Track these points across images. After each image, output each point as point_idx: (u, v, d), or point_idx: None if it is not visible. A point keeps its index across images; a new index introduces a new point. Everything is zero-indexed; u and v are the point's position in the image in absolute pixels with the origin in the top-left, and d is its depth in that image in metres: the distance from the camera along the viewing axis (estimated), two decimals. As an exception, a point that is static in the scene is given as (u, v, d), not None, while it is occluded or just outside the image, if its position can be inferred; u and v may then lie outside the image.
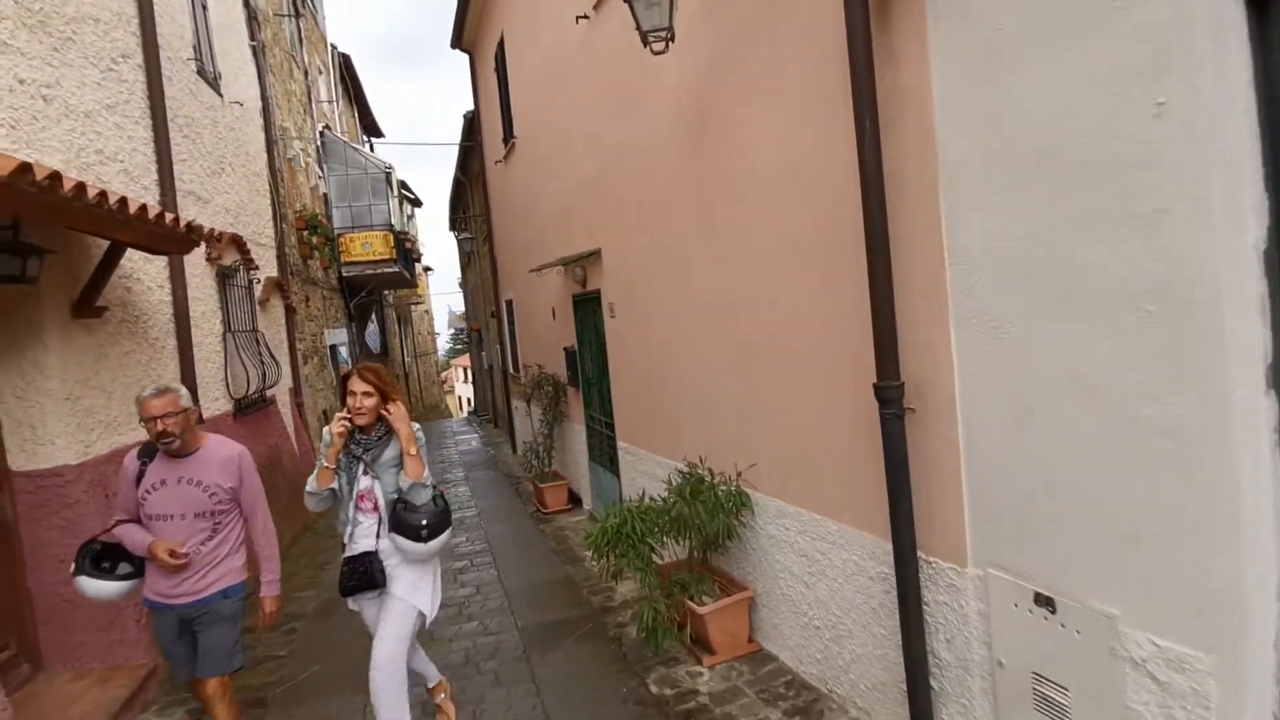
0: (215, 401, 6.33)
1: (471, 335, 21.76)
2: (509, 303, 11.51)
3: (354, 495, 3.11)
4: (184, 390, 3.05)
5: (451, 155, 17.25)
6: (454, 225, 24.50)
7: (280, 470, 7.59)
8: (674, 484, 4.28)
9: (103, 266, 4.28)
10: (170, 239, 4.32)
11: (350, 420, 3.02)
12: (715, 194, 4.08)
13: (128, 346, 4.89)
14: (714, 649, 3.98)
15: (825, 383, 3.18)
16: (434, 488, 3.13)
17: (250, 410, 7.14)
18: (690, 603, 3.99)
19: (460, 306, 26.79)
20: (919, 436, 2.56)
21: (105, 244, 4.27)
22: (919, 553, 2.58)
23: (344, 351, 15.93)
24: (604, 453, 6.93)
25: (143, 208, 3.56)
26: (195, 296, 6.15)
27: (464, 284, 25.39)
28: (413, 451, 3.02)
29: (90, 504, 4.14)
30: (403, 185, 23.86)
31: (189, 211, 6.21)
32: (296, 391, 9.33)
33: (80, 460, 4.17)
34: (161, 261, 5.53)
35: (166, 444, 2.96)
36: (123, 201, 3.37)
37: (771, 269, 3.54)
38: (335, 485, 3.10)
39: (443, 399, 39.25)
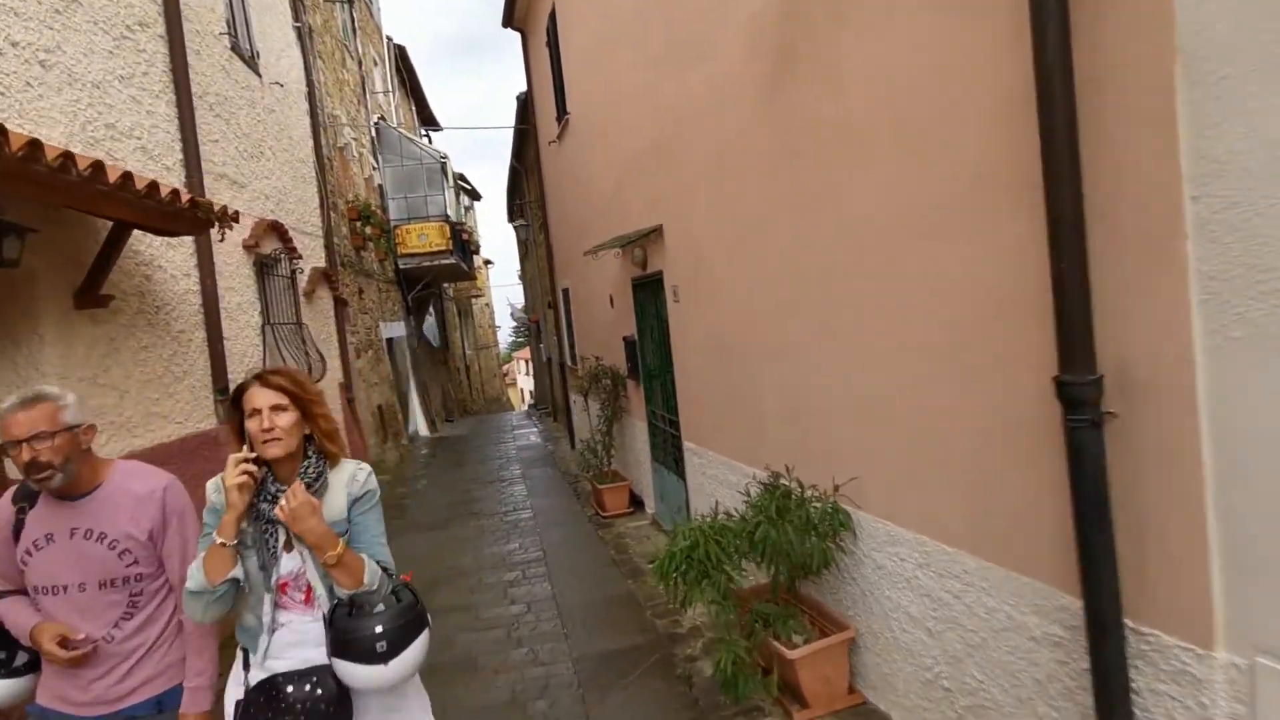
0: (252, 398, 5.92)
1: (530, 327, 21.41)
2: (565, 292, 10.94)
3: (272, 584, 1.90)
4: (70, 398, 1.99)
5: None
6: (511, 215, 24.23)
7: (326, 470, 7.20)
8: (753, 496, 3.57)
9: (106, 250, 3.83)
10: (177, 218, 3.84)
11: (256, 462, 1.85)
12: (800, 148, 3.33)
13: (146, 340, 4.46)
14: (807, 700, 3.26)
15: (964, 376, 2.41)
16: (392, 575, 2.03)
17: (293, 407, 6.74)
18: (777, 644, 3.28)
19: (520, 299, 26.57)
20: (1127, 453, 1.78)
21: (109, 225, 3.82)
22: (1126, 620, 1.81)
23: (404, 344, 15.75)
24: (668, 453, 6.25)
25: (125, 176, 3.06)
26: (229, 286, 5.74)
27: (522, 275, 25.11)
28: (332, 560, 1.83)
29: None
30: (462, 178, 23.69)
31: (221, 196, 5.80)
32: (347, 386, 8.97)
33: (84, 467, 3.73)
34: (188, 248, 5.11)
35: (43, 481, 1.91)
36: (96, 167, 2.86)
37: (879, 235, 2.78)
38: (239, 573, 1.84)
39: (504, 392, 39.37)
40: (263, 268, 6.42)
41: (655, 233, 5.62)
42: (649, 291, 6.21)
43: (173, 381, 4.72)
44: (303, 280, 7.67)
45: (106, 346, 4.07)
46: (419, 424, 15.89)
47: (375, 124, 15.80)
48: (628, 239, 6.02)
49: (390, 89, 18.82)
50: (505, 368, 46.29)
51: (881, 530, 3.02)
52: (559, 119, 9.33)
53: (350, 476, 1.99)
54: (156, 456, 4.32)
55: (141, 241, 4.54)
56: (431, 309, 18.37)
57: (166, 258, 4.82)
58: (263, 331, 6.29)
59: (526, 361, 50.11)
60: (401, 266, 15.81)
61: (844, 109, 2.94)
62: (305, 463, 1.92)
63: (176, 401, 4.73)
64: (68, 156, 2.68)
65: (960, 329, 2.40)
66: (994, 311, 2.23)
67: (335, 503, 1.94)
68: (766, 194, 3.72)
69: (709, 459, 5.09)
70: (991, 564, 2.35)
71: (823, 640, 3.27)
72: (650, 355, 6.45)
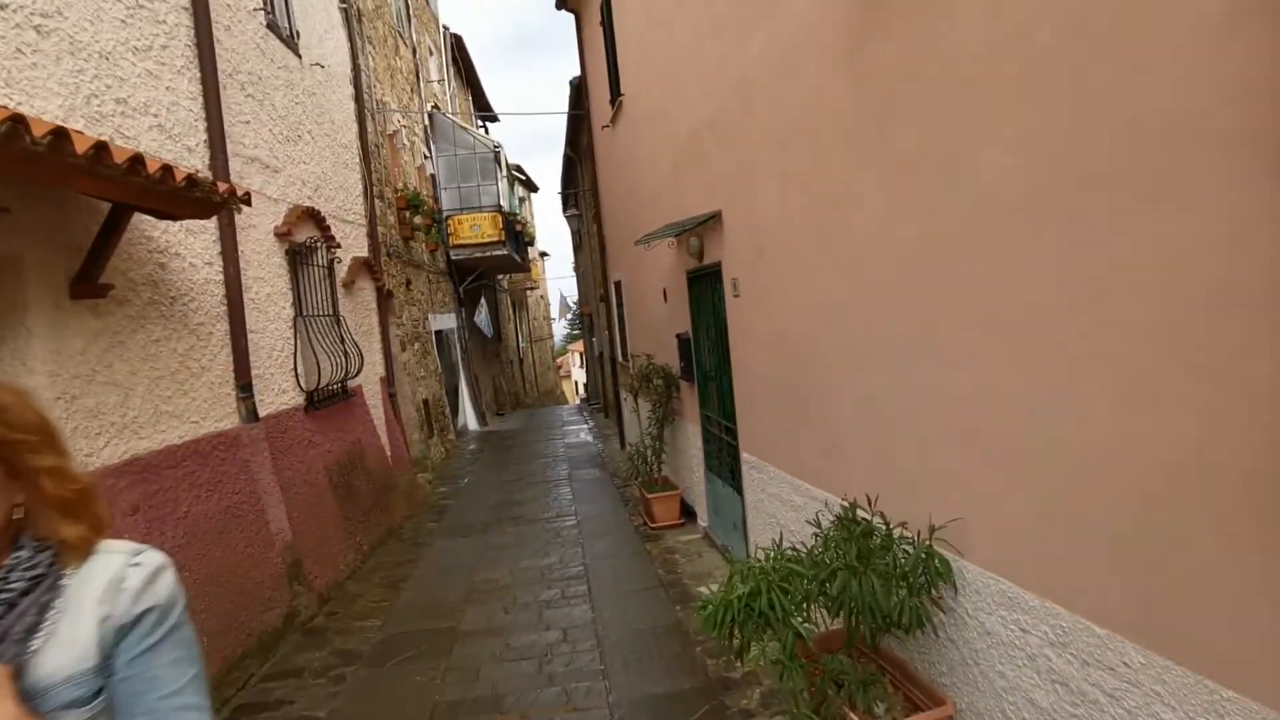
0: (282, 395, 5.59)
1: (583, 320, 21.03)
2: (617, 285, 10.43)
3: None
4: None
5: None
6: (565, 206, 23.89)
7: (362, 469, 6.87)
8: (825, 529, 2.97)
9: (104, 234, 3.47)
10: (177, 199, 3.45)
11: None
12: (894, 105, 2.70)
13: (158, 332, 4.12)
14: (891, 787, 2.66)
15: (1135, 397, 1.77)
16: None
17: (327, 403, 6.41)
18: (854, 716, 2.68)
19: (574, 292, 26.25)
20: None
21: (108, 207, 3.46)
22: None
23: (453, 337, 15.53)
24: (724, 463, 5.67)
25: (98, 146, 2.65)
26: (258, 276, 5.41)
27: (576, 268, 24.78)
28: None
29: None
30: (519, 170, 23.46)
31: (252, 180, 5.47)
32: (389, 380, 8.66)
33: (76, 474, 3.38)
34: (210, 235, 4.77)
35: None
36: (58, 135, 2.45)
37: (1008, 208, 2.15)
38: None
39: (558, 385, 39.29)
40: (296, 257, 6.09)
41: (713, 219, 5.03)
42: (705, 285, 5.64)
43: (189, 378, 4.38)
44: (342, 270, 7.35)
45: (109, 340, 3.72)
46: (468, 418, 15.67)
47: (429, 113, 15.60)
48: (682, 227, 5.46)
49: (446, 78, 18.63)
50: (559, 360, 46.26)
51: (993, 588, 2.39)
52: (613, 102, 8.81)
53: (112, 582, 1.04)
54: (163, 460, 3.98)
55: (156, 228, 4.20)
56: (484, 300, 18.14)
57: (185, 245, 4.48)
58: (294, 324, 5.96)
59: (581, 355, 50.13)
60: (453, 257, 15.59)
61: (956, 49, 2.30)
62: (9, 561, 1.00)
63: (192, 399, 4.40)
64: (17, 121, 2.27)
65: (1130, 333, 1.76)
66: (1192, 310, 1.58)
67: (74, 639, 1.00)
68: (848, 165, 3.10)
69: (770, 475, 4.49)
70: (1173, 663, 1.71)
71: (914, 718, 2.65)
72: (706, 355, 5.88)
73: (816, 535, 2.99)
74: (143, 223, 4.04)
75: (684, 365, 6.40)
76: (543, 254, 39.05)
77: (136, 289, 3.99)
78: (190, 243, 4.55)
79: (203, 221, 4.65)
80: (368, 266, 8.11)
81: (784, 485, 4.25)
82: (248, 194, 4.08)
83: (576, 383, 50.70)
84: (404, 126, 12.05)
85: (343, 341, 6.89)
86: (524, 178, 24.02)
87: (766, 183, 4.06)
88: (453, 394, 14.51)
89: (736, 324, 4.90)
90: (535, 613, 4.93)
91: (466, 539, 6.93)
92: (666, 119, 6.25)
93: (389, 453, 8.08)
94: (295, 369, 5.86)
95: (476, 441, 13.78)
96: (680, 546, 6.12)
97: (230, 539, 4.45)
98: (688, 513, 6.82)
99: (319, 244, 6.62)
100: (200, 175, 3.91)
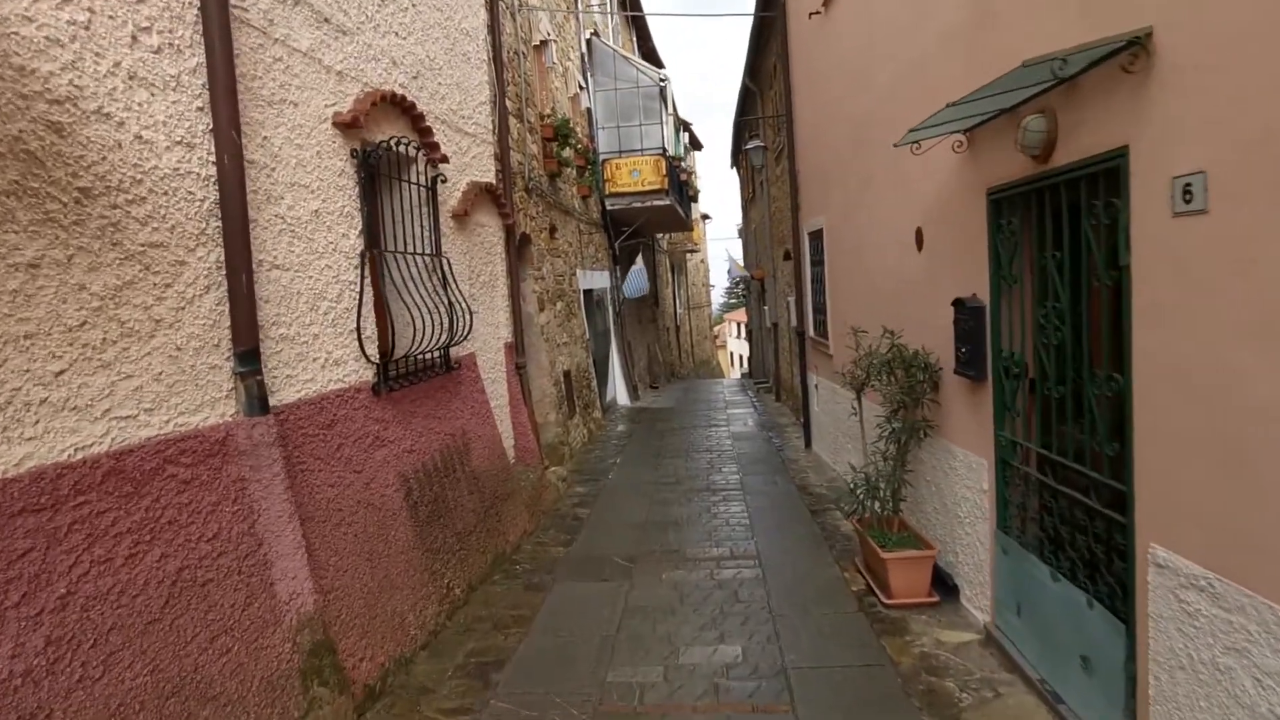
0: (330, 367, 3.65)
1: (751, 286, 18.43)
2: (815, 235, 7.84)
3: None
4: None
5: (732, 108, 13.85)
6: (735, 161, 21.20)
7: (463, 473, 4.91)
8: None
9: None
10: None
11: None
12: None
13: (31, 250, 2.18)
14: None
15: None
16: None
17: (412, 379, 4.45)
18: None
19: (738, 255, 23.64)
20: None
21: None
22: None
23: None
24: (1069, 543, 3.06)
25: None
26: (296, 182, 3.45)
27: (745, 226, 22.11)
28: None
29: None
30: (684, 126, 21.05)
31: (293, 28, 3.49)
32: (517, 348, 6.70)
33: None
34: (188, 92, 2.81)
35: None
36: None
37: None
38: None
39: (714, 356, 37.00)
40: (371, 163, 4.11)
41: (1121, 54, 2.39)
42: (1049, 204, 3.00)
43: (122, 337, 2.45)
44: (452, 197, 5.37)
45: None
46: (618, 391, 13.74)
47: (587, 39, 13.53)
48: (1014, 93, 2.84)
49: (610, 10, 16.50)
50: (716, 330, 43.82)
51: None
52: (831, -34, 6.16)
53: None
54: (20, 497, 2.04)
55: (42, 53, 2.26)
56: (639, 259, 16.06)
57: (123, 102, 2.53)
58: (363, 261, 4.00)
59: (739, 324, 47.40)
60: (609, 207, 13.57)
61: None
62: None
63: (133, 377, 2.47)
64: None
65: None
66: None
67: None
68: None
69: (1241, 607, 1.88)
70: None
71: None
72: (1035, 337, 3.26)
73: None
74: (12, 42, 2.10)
75: (967, 351, 3.78)
76: (704, 216, 36.57)
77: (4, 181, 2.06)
78: (139, 102, 2.59)
79: (168, 68, 2.69)
80: (492, 197, 6.11)
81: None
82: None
83: (732, 354, 48.14)
84: (554, 41, 10.00)
85: (447, 291, 4.91)
86: (690, 133, 21.60)
87: None
88: (602, 363, 12.60)
89: (1169, 279, 2.26)
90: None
91: (601, 585, 4.79)
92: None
93: (511, 444, 6.13)
94: (358, 328, 3.91)
95: (625, 421, 11.77)
96: (949, 661, 3.59)
97: (187, 622, 2.52)
98: (944, 584, 4.27)
99: (413, 151, 4.63)
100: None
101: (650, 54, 21.32)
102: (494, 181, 6.22)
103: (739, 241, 27.20)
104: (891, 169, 4.83)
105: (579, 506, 6.68)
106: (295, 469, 3.22)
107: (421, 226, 4.82)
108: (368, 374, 4.01)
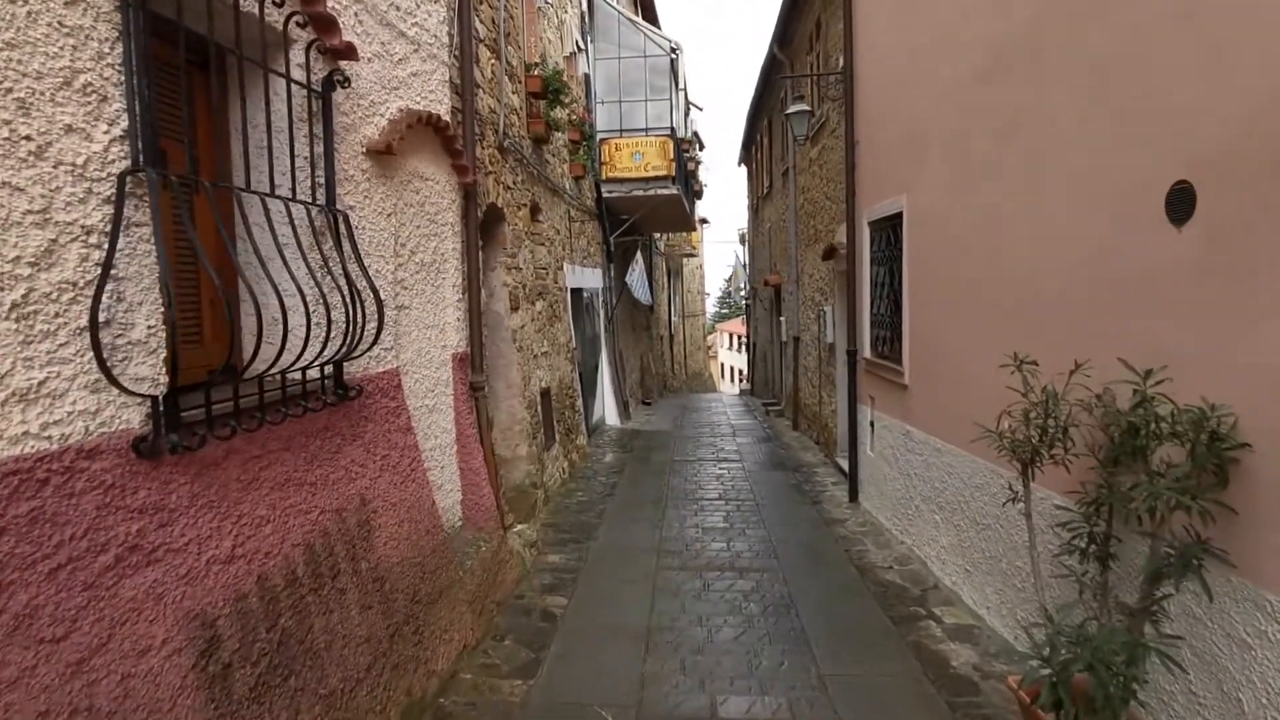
0: (31, 407, 1.63)
1: (760, 295, 16.49)
2: (885, 223, 5.90)
3: None
4: None
5: (734, 108, 11.95)
6: (748, 152, 19.31)
7: (358, 569, 2.89)
8: None
9: None
10: None
11: None
12: None
13: None
14: None
15: None
16: None
17: (263, 419, 2.42)
18: None
19: (734, 262, 21.70)
20: None
21: None
22: None
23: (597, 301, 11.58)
24: None
25: None
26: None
27: (752, 231, 20.19)
28: None
29: None
30: (694, 107, 19.10)
31: None
32: (472, 361, 4.70)
33: None
34: None
35: None
36: None
37: None
38: None
39: (707, 367, 35.04)
40: (194, 45, 2.10)
41: None
42: None
43: None
44: (369, 122, 3.37)
45: None
46: (607, 409, 11.72)
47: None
48: None
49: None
50: (708, 339, 41.77)
51: None
52: None
53: None
54: None
55: None
56: (639, 257, 14.09)
57: None
58: (121, 190, 1.98)
59: (731, 335, 45.41)
60: (605, 194, 11.59)
61: None
62: None
63: None
64: None
65: None
66: None
67: None
68: None
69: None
70: None
71: None
72: None
73: None
74: None
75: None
76: (702, 220, 34.63)
77: None
78: None
79: None
80: (442, 138, 4.11)
81: None
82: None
83: (723, 365, 46.11)
84: (550, -22, 8.03)
85: (346, 269, 2.90)
86: (696, 107, 19.69)
87: None
88: (589, 376, 10.60)
89: None
90: None
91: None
92: None
93: (455, 504, 4.12)
94: (93, 323, 1.89)
95: (615, 448, 9.76)
96: None
97: None
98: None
99: (287, 21, 2.63)
100: None
101: (652, 19, 19.36)
102: (445, 117, 4.21)
103: (739, 247, 25.28)
104: (1097, 90, 2.89)
105: (551, 592, 4.66)
106: None
107: (303, 159, 2.82)
108: (127, 416, 1.99)
